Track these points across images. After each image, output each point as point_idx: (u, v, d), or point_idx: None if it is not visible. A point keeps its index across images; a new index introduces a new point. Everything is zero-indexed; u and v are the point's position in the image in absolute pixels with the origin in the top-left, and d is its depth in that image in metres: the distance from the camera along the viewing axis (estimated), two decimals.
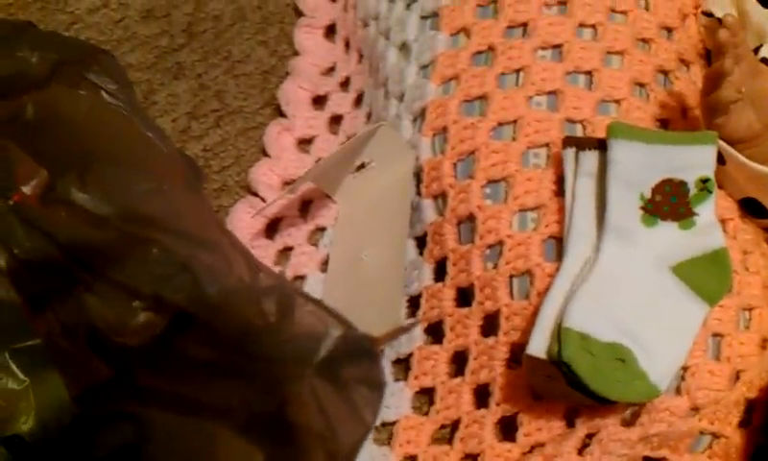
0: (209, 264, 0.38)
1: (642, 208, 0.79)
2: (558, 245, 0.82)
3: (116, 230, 0.43)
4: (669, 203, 0.80)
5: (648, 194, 0.79)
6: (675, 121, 0.93)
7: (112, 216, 0.44)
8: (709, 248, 0.80)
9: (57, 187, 0.47)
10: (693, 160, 0.81)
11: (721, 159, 0.86)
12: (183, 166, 0.49)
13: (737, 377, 0.78)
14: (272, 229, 1.02)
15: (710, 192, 0.80)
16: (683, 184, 0.80)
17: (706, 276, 0.80)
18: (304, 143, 1.10)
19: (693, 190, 0.80)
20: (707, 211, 0.81)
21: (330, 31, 1.22)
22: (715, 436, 0.77)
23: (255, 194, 1.03)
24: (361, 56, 1.13)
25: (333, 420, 0.41)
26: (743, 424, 0.78)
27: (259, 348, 0.38)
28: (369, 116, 1.06)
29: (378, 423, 0.86)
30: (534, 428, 0.80)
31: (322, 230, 1.00)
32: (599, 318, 0.75)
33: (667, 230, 0.80)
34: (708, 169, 0.81)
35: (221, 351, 0.37)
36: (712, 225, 0.81)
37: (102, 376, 0.40)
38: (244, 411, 0.37)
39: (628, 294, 0.78)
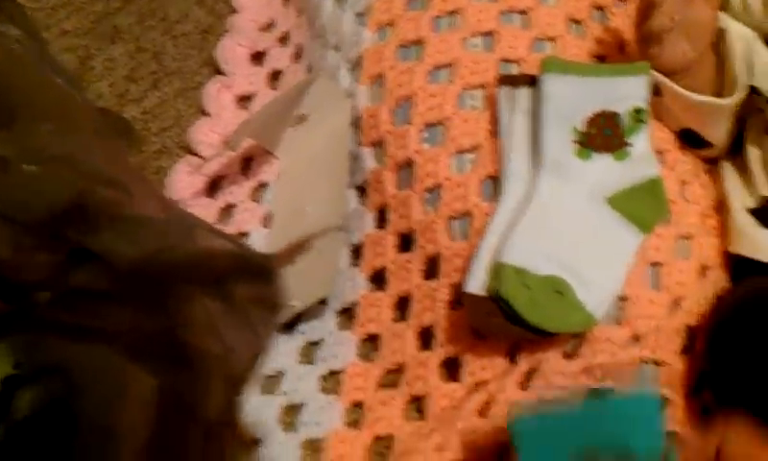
0: (108, 198, 0.37)
1: (576, 142, 0.79)
2: (495, 185, 0.82)
3: (16, 169, 0.42)
4: (603, 135, 0.80)
5: (582, 127, 0.79)
6: (612, 57, 0.93)
7: (13, 156, 0.43)
8: (644, 177, 0.80)
9: None
10: (626, 91, 0.81)
11: (657, 91, 0.86)
12: (94, 114, 0.48)
13: (677, 305, 0.78)
14: (213, 187, 1.01)
15: (644, 122, 0.80)
16: (616, 116, 0.80)
17: (640, 205, 0.80)
18: (244, 100, 1.08)
19: (627, 121, 0.80)
20: (641, 142, 0.81)
21: None
22: (657, 364, 0.77)
23: (196, 154, 1.02)
24: (300, 9, 1.11)
25: (227, 339, 0.40)
26: (685, 350, 0.79)
27: (151, 271, 0.37)
28: (309, 69, 1.05)
29: (326, 372, 0.86)
30: (477, 367, 0.80)
31: (264, 185, 0.99)
32: (535, 252, 0.75)
33: (602, 161, 0.80)
34: (641, 100, 0.81)
35: (116, 280, 0.36)
36: (647, 155, 0.81)
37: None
38: (136, 335, 0.36)
39: (564, 227, 0.78)
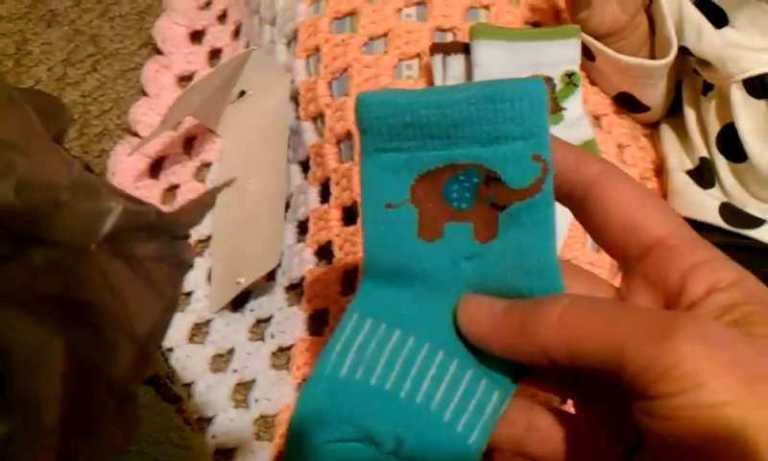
0: (7, 161, 0.37)
1: None
2: None
3: None
4: None
5: None
6: (547, 23, 0.94)
7: None
8: (578, 140, 0.81)
9: None
10: (557, 55, 0.82)
11: (591, 56, 0.87)
12: (8, 87, 0.47)
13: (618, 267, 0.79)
14: (157, 168, 1.01)
15: (576, 86, 0.81)
16: (548, 80, 0.80)
17: None
18: (184, 80, 1.08)
19: (559, 85, 0.81)
20: (574, 105, 0.82)
21: None
22: None
23: (136, 135, 1.01)
24: None
25: (127, 297, 0.40)
26: None
27: (45, 232, 0.37)
28: (247, 46, 1.04)
29: (276, 348, 0.86)
30: None
31: (207, 165, 0.99)
32: None
33: None
34: (573, 63, 0.82)
35: (11, 241, 0.36)
36: (581, 118, 0.82)
37: None
38: (29, 295, 0.36)
39: None
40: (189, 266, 0.45)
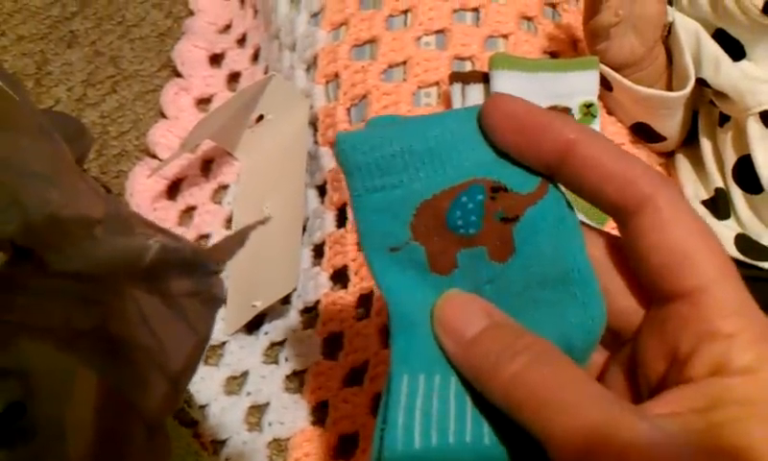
0: (43, 195, 0.38)
1: None
2: None
3: None
4: None
5: None
6: (565, 53, 0.94)
7: None
8: None
9: None
10: (576, 86, 0.82)
11: (608, 86, 0.88)
12: (39, 115, 0.48)
13: None
14: (174, 190, 1.02)
15: (594, 116, 0.82)
16: (566, 111, 0.81)
17: None
18: (203, 103, 1.09)
19: (578, 116, 0.81)
20: None
21: None
22: None
23: (155, 156, 1.02)
24: (256, 10, 1.12)
25: (161, 333, 0.41)
26: None
27: (83, 267, 0.38)
28: (266, 70, 1.06)
29: (290, 371, 0.86)
30: None
31: (225, 187, 1.00)
32: None
33: None
34: (591, 94, 0.82)
35: (50, 276, 0.37)
36: None
37: None
38: (67, 330, 0.37)
39: None
40: (221, 302, 0.45)
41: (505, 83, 0.80)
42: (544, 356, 0.34)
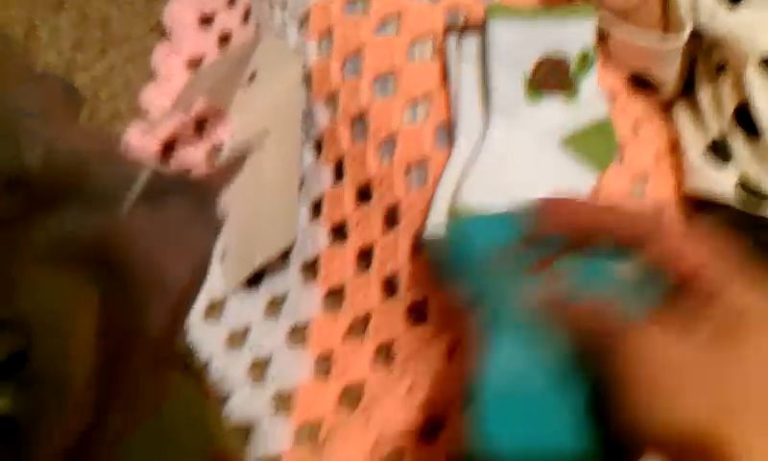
0: (37, 131, 0.38)
1: (525, 86, 0.81)
2: (449, 132, 0.83)
3: None
4: (552, 78, 0.81)
5: (530, 71, 0.81)
6: (560, 1, 0.94)
7: None
8: (593, 119, 0.82)
9: None
10: (573, 35, 0.82)
11: (605, 35, 0.88)
12: (30, 67, 0.47)
13: None
14: (169, 150, 1.01)
15: (591, 66, 0.82)
16: (563, 60, 0.81)
17: (593, 146, 0.82)
18: (194, 63, 1.08)
19: (574, 65, 0.82)
20: (589, 84, 0.82)
21: None
22: None
23: (147, 118, 1.02)
24: None
25: (160, 257, 0.41)
26: None
27: (76, 196, 0.38)
28: (257, 29, 1.05)
29: (292, 325, 0.87)
30: (442, 310, 0.81)
31: (219, 147, 1.00)
32: (491, 195, 0.77)
33: (553, 104, 0.81)
34: (588, 42, 0.82)
35: (41, 203, 0.37)
36: (596, 97, 0.83)
37: None
38: (69, 245, 0.37)
39: (518, 170, 0.79)
40: (221, 225, 0.45)
41: (501, 32, 0.80)
42: None
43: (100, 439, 0.40)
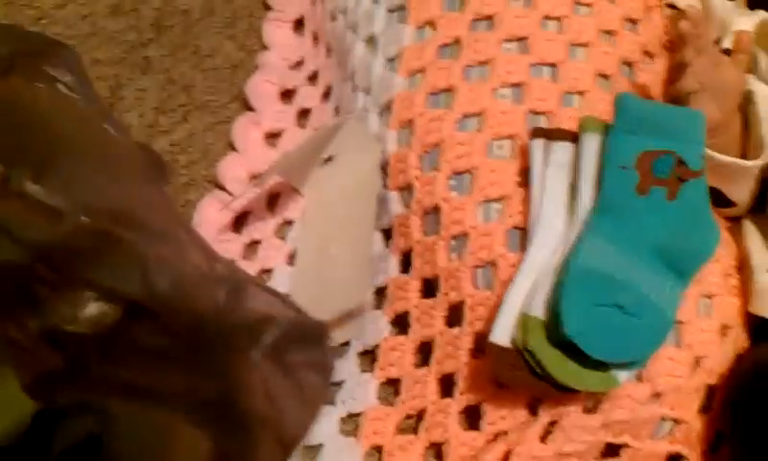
0: (162, 255, 0.38)
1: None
2: (521, 235, 0.83)
3: (71, 223, 0.43)
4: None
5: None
6: None
7: (68, 209, 0.44)
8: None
9: (11, 179, 0.47)
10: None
11: None
12: (142, 159, 0.48)
13: (698, 364, 0.78)
14: (239, 223, 1.02)
15: None
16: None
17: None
18: (272, 137, 1.10)
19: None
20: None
21: (299, 25, 1.21)
22: (676, 422, 0.78)
23: (223, 188, 1.03)
24: (329, 50, 1.13)
25: (281, 404, 0.41)
26: (704, 409, 0.79)
27: (208, 334, 0.38)
28: (337, 110, 1.06)
29: (345, 414, 0.86)
30: (497, 417, 0.80)
31: (289, 223, 1.00)
32: None
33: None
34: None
35: (171, 339, 0.37)
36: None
37: (54, 365, 0.40)
38: (192, 397, 0.37)
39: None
40: (332, 370, 0.46)
41: (594, 145, 0.80)
42: None
43: None
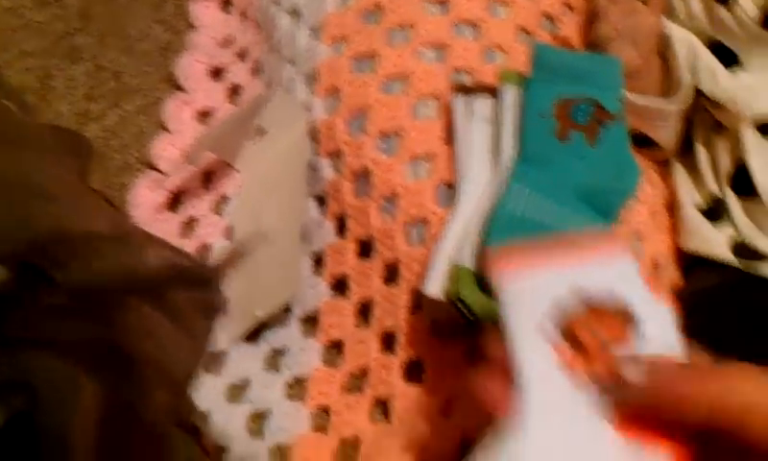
0: (49, 212, 0.39)
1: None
2: (449, 191, 0.84)
3: None
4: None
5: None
6: None
7: None
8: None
9: None
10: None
11: None
12: (45, 133, 0.49)
13: None
14: (176, 202, 1.03)
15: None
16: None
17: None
18: (204, 116, 1.10)
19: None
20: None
21: (226, 3, 1.21)
22: None
23: (157, 169, 1.03)
24: (258, 25, 1.13)
25: (165, 345, 0.42)
26: None
27: (97, 286, 0.39)
28: (268, 84, 1.07)
29: (291, 379, 0.87)
30: (437, 368, 0.82)
31: (225, 199, 1.01)
32: None
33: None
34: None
35: (69, 296, 0.38)
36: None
37: None
38: (82, 346, 0.38)
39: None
40: (221, 313, 0.47)
41: (512, 96, 0.82)
42: None
43: None
